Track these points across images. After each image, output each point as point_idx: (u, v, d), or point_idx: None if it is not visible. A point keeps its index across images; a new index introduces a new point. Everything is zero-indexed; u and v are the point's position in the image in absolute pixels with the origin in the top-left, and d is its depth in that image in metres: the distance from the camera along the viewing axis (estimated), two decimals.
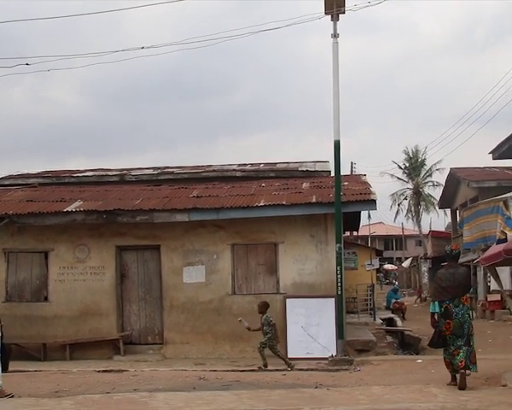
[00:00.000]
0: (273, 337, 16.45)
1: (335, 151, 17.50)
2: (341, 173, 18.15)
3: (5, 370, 11.65)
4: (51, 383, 13.92)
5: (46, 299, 19.62)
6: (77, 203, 19.94)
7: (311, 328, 18.23)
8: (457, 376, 11.26)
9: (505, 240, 13.45)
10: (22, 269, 19.94)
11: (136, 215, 19.06)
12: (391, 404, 9.97)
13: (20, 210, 19.68)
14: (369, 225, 40.52)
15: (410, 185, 73.54)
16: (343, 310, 17.79)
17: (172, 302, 19.27)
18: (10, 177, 26.29)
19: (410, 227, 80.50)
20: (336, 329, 17.55)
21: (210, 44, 18.99)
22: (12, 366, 17.27)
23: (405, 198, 74.06)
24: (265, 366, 16.07)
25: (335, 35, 17.65)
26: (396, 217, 76.41)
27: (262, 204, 18.85)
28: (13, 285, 19.92)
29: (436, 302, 11.48)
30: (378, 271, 52.41)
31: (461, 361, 11.06)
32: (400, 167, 73.34)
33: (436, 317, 11.48)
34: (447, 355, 11.40)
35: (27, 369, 16.70)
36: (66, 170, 27.94)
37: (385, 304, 38.42)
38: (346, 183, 20.67)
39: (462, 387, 10.97)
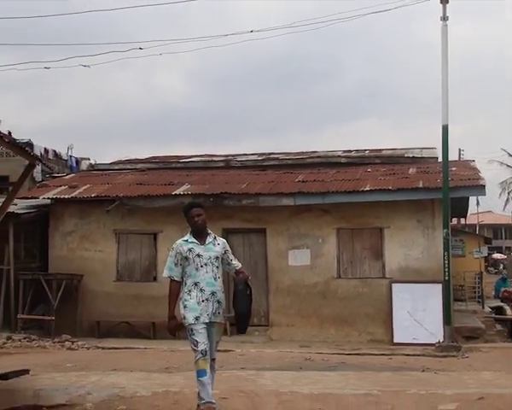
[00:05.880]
0: None
1: (443, 135, 17.23)
2: (449, 159, 17.87)
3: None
4: (161, 360, 14.24)
5: (155, 279, 20.09)
6: (184, 187, 20.33)
7: (417, 313, 18.11)
8: None
9: None
10: (132, 250, 20.53)
11: (242, 199, 19.31)
12: (501, 389, 9.77)
13: (131, 193, 20.25)
14: (477, 213, 39.56)
15: None
16: (450, 296, 17.54)
17: (278, 285, 19.45)
18: (119, 162, 26.98)
19: None
20: (443, 315, 17.31)
21: (319, 27, 19.08)
22: (123, 343, 17.91)
23: None
24: None
25: (445, 18, 17.37)
26: (506, 205, 74.47)
27: (368, 189, 18.78)
28: (123, 265, 20.55)
29: None
30: (486, 260, 51.19)
31: None
32: (510, 155, 71.39)
33: None
34: None
35: (138, 346, 17.21)
36: (173, 155, 28.43)
37: (493, 293, 37.55)
38: (454, 168, 20.29)
39: None
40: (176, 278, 7.83)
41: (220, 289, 7.82)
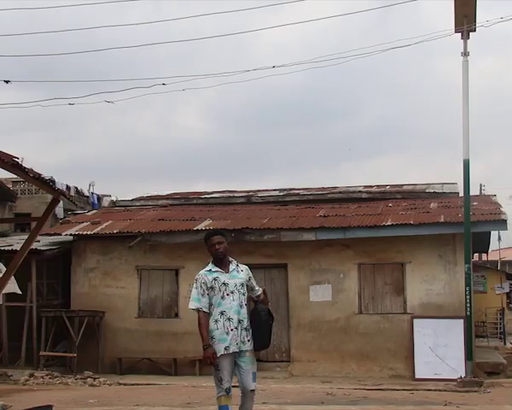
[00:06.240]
0: None
1: (465, 170, 17.21)
2: (470, 194, 17.86)
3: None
4: (183, 396, 14.28)
5: (177, 315, 20.15)
6: (206, 222, 20.43)
7: (438, 349, 18.03)
8: None
9: None
10: (154, 286, 20.60)
11: (263, 234, 19.37)
12: None
13: (153, 228, 20.38)
14: (499, 249, 39.27)
15: None
16: (472, 331, 17.44)
17: (299, 321, 19.44)
18: (141, 198, 27.11)
19: None
20: (465, 350, 17.21)
21: (340, 63, 19.27)
22: (145, 379, 17.92)
23: None
24: None
25: (465, 53, 17.42)
26: None
27: (389, 223, 18.79)
28: (145, 302, 20.61)
29: None
30: (508, 296, 50.76)
31: None
32: None
33: None
34: None
35: (160, 382, 17.22)
36: (194, 192, 28.52)
37: None
38: (475, 203, 20.24)
39: None
40: (204, 309, 7.52)
41: (246, 317, 7.61)
